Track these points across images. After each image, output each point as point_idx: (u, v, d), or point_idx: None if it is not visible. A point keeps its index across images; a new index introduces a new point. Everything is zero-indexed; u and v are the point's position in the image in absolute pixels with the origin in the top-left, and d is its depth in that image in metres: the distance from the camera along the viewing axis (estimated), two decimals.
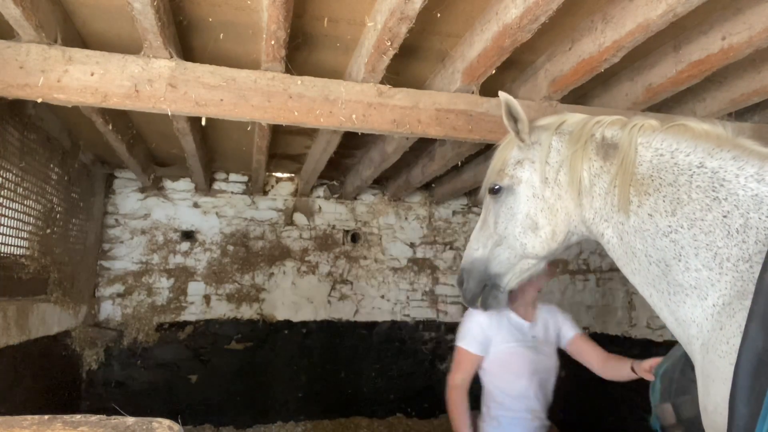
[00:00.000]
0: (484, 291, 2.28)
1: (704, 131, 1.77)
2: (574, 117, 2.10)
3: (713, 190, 1.65)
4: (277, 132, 4.27)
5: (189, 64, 2.67)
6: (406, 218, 6.79)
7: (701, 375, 1.60)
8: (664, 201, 1.75)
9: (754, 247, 1.54)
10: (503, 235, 2.17)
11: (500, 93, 2.17)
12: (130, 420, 1.00)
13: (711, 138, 1.75)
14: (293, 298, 6.27)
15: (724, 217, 1.62)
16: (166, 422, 1.01)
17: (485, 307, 2.31)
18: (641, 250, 1.81)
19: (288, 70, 2.79)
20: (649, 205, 1.78)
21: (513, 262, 2.19)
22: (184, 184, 6.07)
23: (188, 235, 6.05)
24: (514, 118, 2.12)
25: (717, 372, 1.52)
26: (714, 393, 1.53)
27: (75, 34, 2.72)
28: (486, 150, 4.67)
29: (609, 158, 1.91)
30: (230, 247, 6.12)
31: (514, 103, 2.09)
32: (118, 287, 5.74)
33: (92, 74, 2.54)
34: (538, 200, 2.08)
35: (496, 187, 2.17)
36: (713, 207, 1.64)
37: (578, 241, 2.15)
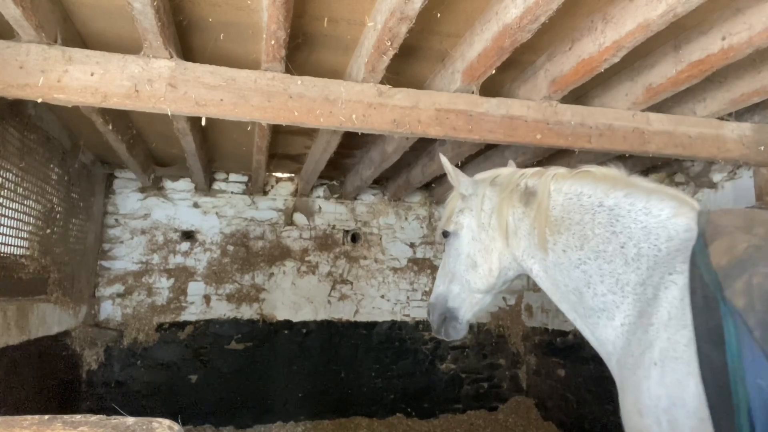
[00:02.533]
0: (445, 322, 2.56)
1: (603, 174, 2.05)
2: (507, 170, 2.43)
3: (611, 225, 1.91)
4: (277, 132, 4.27)
5: (189, 64, 2.67)
6: (406, 218, 6.79)
7: (619, 388, 1.79)
8: (573, 237, 2.01)
9: (647, 272, 1.78)
10: (454, 273, 2.50)
11: (441, 156, 2.61)
12: (130, 420, 1.00)
13: (608, 179, 2.02)
14: (293, 298, 6.27)
15: (622, 247, 1.87)
16: (166, 422, 1.01)
17: (447, 336, 2.58)
18: (561, 281, 2.08)
19: (288, 70, 2.79)
20: (562, 242, 2.04)
21: (464, 297, 2.49)
22: (184, 184, 6.07)
23: (188, 235, 6.05)
24: (454, 174, 2.48)
25: (627, 383, 1.71)
26: (625, 402, 1.73)
27: (75, 34, 2.71)
28: (486, 150, 4.67)
29: (529, 204, 2.20)
30: (230, 247, 6.12)
31: (450, 170, 2.49)
32: (118, 287, 5.74)
33: (92, 74, 2.54)
34: (476, 242, 2.40)
35: (446, 232, 2.52)
36: (612, 240, 1.89)
37: (516, 275, 2.42)
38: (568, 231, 2.03)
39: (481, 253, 2.38)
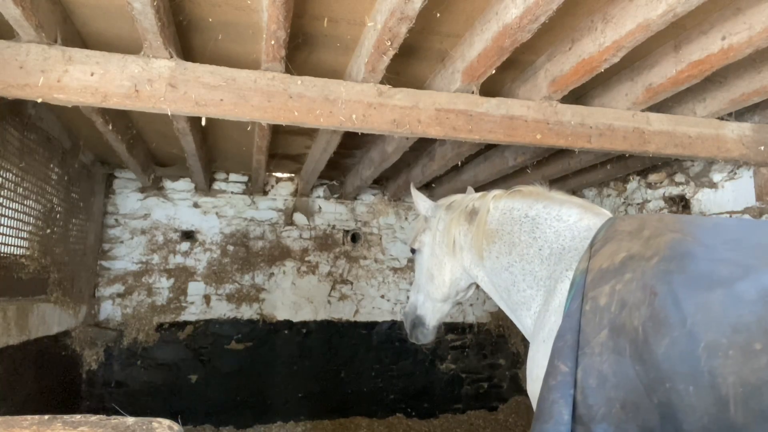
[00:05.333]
0: (414, 328, 2.94)
1: (530, 191, 2.41)
2: (460, 196, 2.80)
3: (532, 232, 2.23)
4: (277, 132, 4.27)
5: (189, 64, 2.66)
6: (406, 218, 6.79)
7: (532, 359, 2.09)
8: (504, 245, 2.33)
9: (554, 267, 2.09)
10: (419, 284, 2.91)
11: (411, 185, 3.07)
12: (130, 420, 1.00)
13: (533, 195, 2.37)
14: (293, 298, 6.27)
15: (539, 249, 2.18)
16: (166, 422, 1.01)
17: (417, 340, 2.96)
18: (496, 282, 2.41)
19: (288, 70, 2.79)
20: (496, 250, 2.37)
21: (427, 305, 2.88)
22: (184, 184, 6.07)
23: (188, 235, 6.05)
24: (419, 199, 2.93)
25: (537, 354, 2.00)
26: (526, 371, 2.05)
27: (75, 34, 2.71)
28: (486, 150, 4.67)
29: (472, 221, 2.55)
30: (230, 247, 6.12)
31: (415, 196, 2.95)
32: (118, 287, 5.74)
33: (92, 74, 2.54)
34: (433, 257, 2.78)
35: (413, 249, 2.95)
36: (533, 244, 2.21)
37: (468, 285, 2.76)
38: (500, 240, 2.35)
39: (437, 266, 2.75)
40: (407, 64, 3.05)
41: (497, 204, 2.45)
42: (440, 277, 2.74)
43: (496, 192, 2.53)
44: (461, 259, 2.63)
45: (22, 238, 3.78)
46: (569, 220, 2.16)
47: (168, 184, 6.03)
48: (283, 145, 4.90)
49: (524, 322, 2.26)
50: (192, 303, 5.95)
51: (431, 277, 2.79)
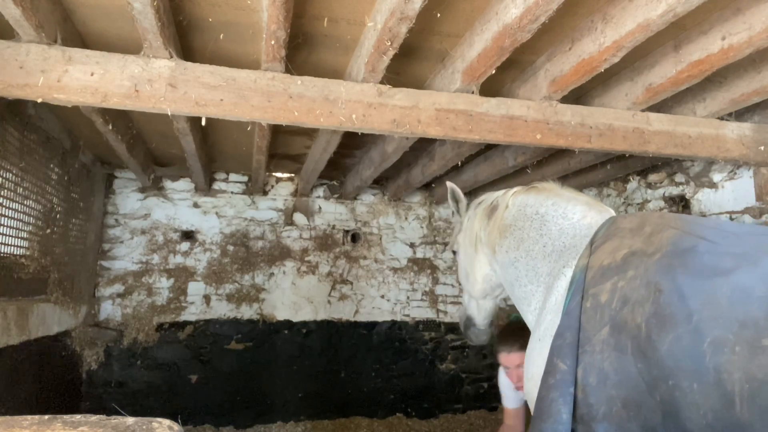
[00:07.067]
0: (468, 329, 2.98)
1: (544, 188, 2.43)
2: (491, 194, 2.78)
3: (540, 229, 2.25)
4: (277, 132, 4.27)
5: (189, 64, 2.66)
6: (406, 218, 6.79)
7: (528, 357, 2.10)
8: (514, 240, 2.36)
9: (555, 264, 2.10)
10: (462, 284, 2.97)
11: (447, 182, 3.05)
12: (130, 420, 1.00)
13: (546, 192, 2.39)
14: (293, 298, 6.27)
15: (544, 246, 2.19)
16: (166, 422, 1.01)
17: (471, 341, 2.99)
18: (504, 277, 2.46)
19: (288, 70, 2.79)
20: (506, 244, 2.40)
21: (472, 304, 2.91)
22: (184, 184, 6.07)
23: (188, 235, 6.04)
24: (455, 199, 2.95)
25: (533, 352, 2.00)
26: (530, 367, 2.03)
27: (75, 34, 2.71)
28: (486, 150, 4.67)
29: (491, 217, 2.58)
30: (230, 247, 6.12)
31: (457, 190, 2.94)
32: (118, 287, 5.74)
33: (92, 74, 2.54)
34: (467, 256, 2.81)
35: (453, 251, 3.03)
36: (539, 240, 2.22)
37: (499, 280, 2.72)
38: (511, 235, 2.38)
39: (470, 264, 2.76)
40: (407, 64, 3.05)
41: (515, 200, 2.48)
42: (473, 275, 2.76)
43: (516, 188, 2.57)
44: (485, 254, 2.65)
45: (22, 238, 3.78)
46: (573, 217, 2.17)
47: (168, 184, 6.03)
48: (283, 145, 4.90)
49: (527, 317, 2.27)
50: (192, 303, 5.95)
51: (467, 275, 2.82)
